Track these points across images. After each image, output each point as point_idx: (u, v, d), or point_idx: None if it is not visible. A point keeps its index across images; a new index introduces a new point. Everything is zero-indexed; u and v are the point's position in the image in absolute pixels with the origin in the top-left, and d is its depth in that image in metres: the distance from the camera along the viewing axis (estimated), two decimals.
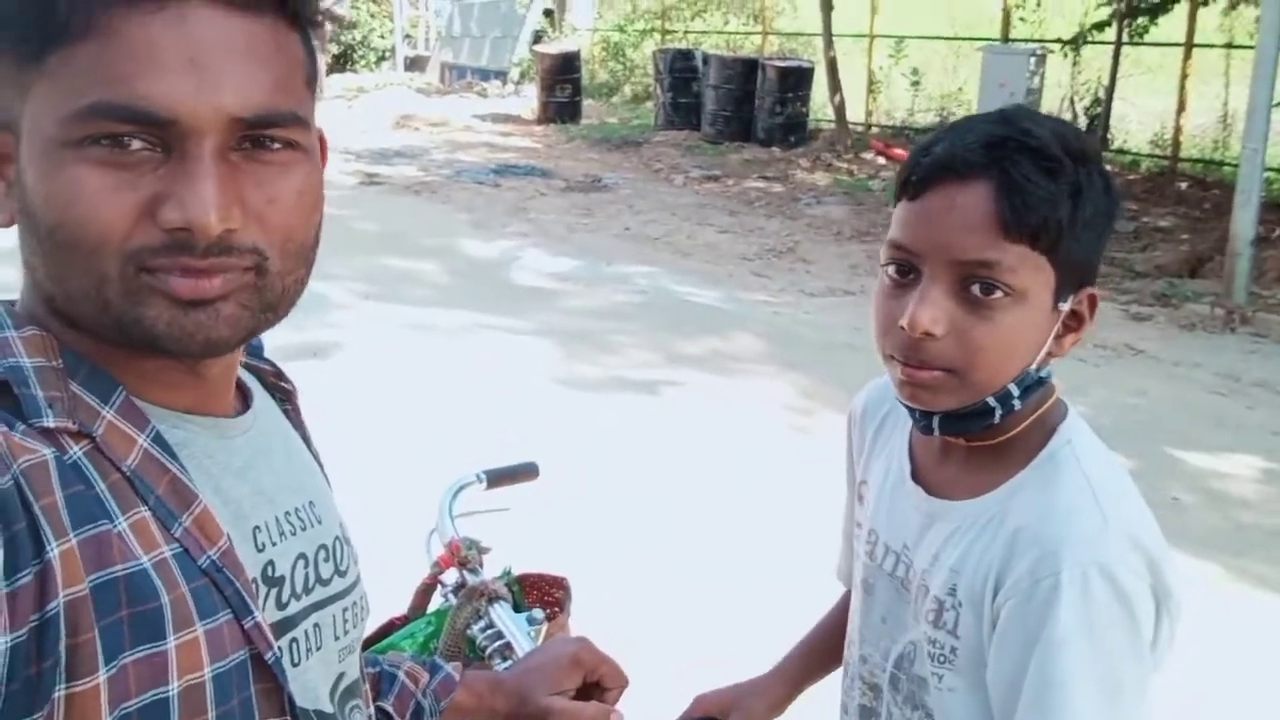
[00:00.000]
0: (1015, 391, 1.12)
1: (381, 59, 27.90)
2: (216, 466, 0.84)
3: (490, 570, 1.58)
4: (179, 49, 0.73)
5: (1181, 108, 12.60)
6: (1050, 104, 13.22)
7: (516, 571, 1.61)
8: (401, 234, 9.47)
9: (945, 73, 15.81)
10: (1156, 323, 7.60)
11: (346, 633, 0.95)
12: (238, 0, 0.75)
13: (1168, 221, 10.40)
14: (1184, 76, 12.57)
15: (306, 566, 0.90)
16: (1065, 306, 1.11)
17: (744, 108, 15.23)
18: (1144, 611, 1.05)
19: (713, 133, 15.39)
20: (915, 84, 15.47)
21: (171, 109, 0.72)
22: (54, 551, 0.69)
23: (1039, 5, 14.37)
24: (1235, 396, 6.12)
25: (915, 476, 1.25)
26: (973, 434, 1.16)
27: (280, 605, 0.87)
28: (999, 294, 1.06)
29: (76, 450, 0.74)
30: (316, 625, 0.90)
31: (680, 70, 16.33)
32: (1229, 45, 12.91)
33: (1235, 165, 9.18)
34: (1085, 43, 12.95)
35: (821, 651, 1.52)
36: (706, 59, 16.09)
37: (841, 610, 1.46)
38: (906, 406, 1.17)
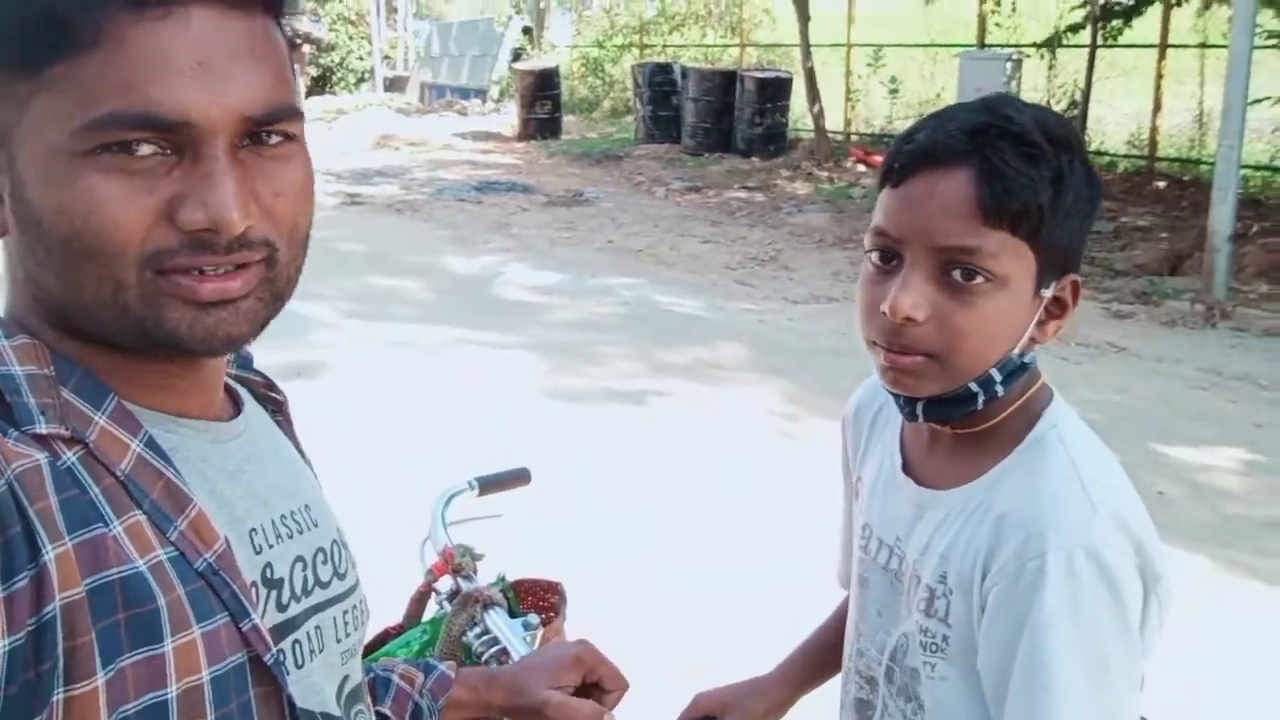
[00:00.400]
0: (997, 377, 1.12)
1: (361, 80, 27.93)
2: (210, 470, 0.85)
3: (484, 577, 1.58)
4: (187, 53, 0.74)
5: (1157, 108, 12.70)
6: None
7: (511, 578, 1.61)
8: (384, 252, 9.46)
9: (923, 80, 15.89)
10: (1138, 320, 7.64)
11: (348, 635, 0.95)
12: (236, 1, 0.76)
13: (1146, 220, 10.46)
14: (1159, 77, 12.67)
15: (305, 569, 0.90)
16: (1047, 293, 1.12)
17: (723, 119, 15.29)
18: (1131, 593, 1.06)
19: (693, 145, 15.43)
20: (893, 92, 15.55)
21: (185, 113, 0.73)
22: (50, 555, 0.69)
23: (1014, 10, 14.47)
24: (1217, 390, 6.16)
25: (906, 469, 1.26)
26: (957, 420, 1.16)
27: (281, 607, 0.87)
28: (980, 280, 1.07)
29: (70, 456, 0.75)
30: (318, 628, 0.91)
31: (659, 84, 16.38)
32: (1203, 45, 13.00)
33: (1212, 163, 9.26)
34: (1060, 46, 13.05)
35: (823, 655, 1.52)
36: (685, 72, 16.15)
37: (842, 614, 1.46)
38: (891, 393, 1.18)
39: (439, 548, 1.60)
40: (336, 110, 20.85)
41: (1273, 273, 8.37)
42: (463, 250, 9.88)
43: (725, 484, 4.79)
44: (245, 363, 1.01)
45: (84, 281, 0.76)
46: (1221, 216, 7.94)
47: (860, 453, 1.38)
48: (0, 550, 0.67)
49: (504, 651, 1.45)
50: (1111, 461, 1.15)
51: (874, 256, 1.12)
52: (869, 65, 15.71)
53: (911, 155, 1.09)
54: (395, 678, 1.20)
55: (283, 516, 0.90)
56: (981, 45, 14.19)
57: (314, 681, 0.89)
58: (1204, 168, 11.68)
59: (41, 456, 0.72)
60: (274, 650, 0.82)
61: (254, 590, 0.83)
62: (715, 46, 20.21)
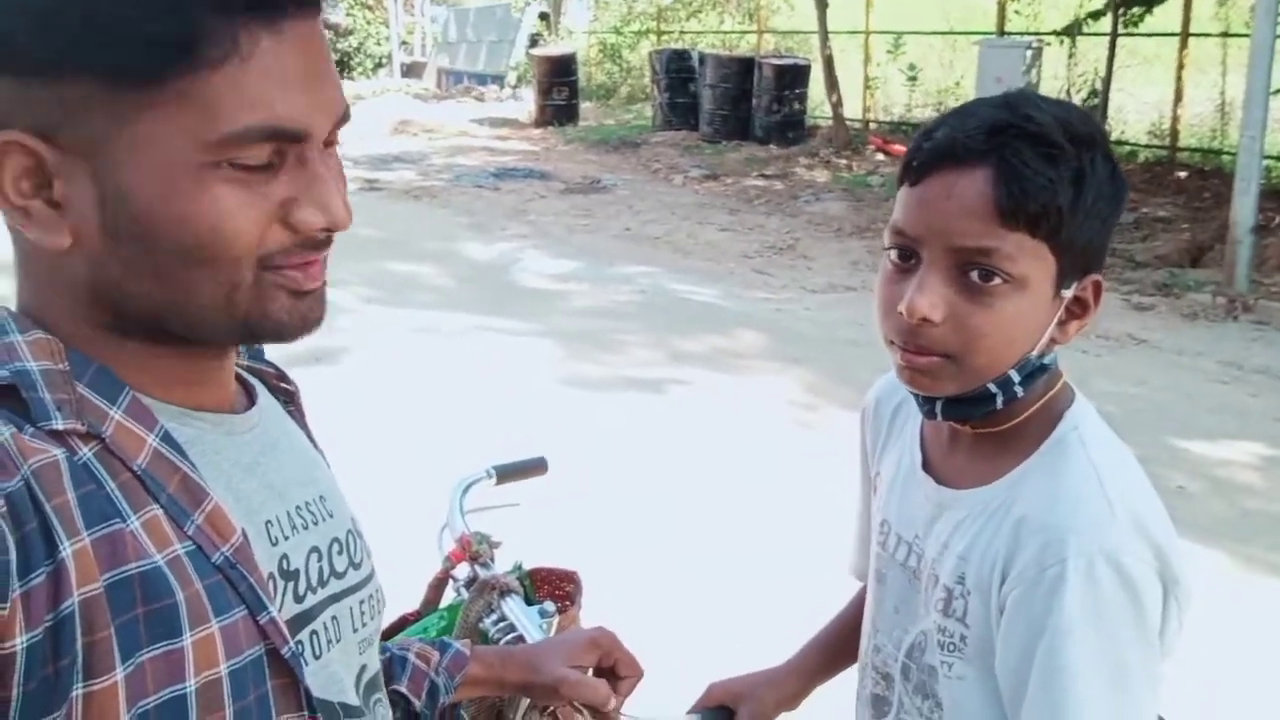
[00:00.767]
0: (1016, 378, 1.11)
1: (378, 66, 27.96)
2: (226, 462, 0.85)
3: (501, 565, 1.58)
4: (302, 65, 0.77)
5: (1179, 97, 12.59)
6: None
7: (527, 566, 1.61)
8: (403, 238, 9.48)
9: (941, 67, 15.80)
10: (1158, 312, 7.59)
11: (365, 624, 0.95)
12: (318, 11, 0.79)
13: (1167, 211, 10.39)
14: (1180, 66, 12.56)
15: (320, 560, 0.91)
16: (1068, 293, 1.10)
17: (741, 106, 15.25)
18: (1151, 598, 1.05)
19: (710, 132, 15.40)
20: (912, 79, 15.46)
21: (307, 125, 0.77)
22: (67, 550, 0.69)
23: None
24: (1238, 384, 6.12)
25: (926, 467, 1.25)
26: (976, 420, 1.16)
27: (298, 599, 0.87)
28: (998, 281, 1.05)
29: (86, 451, 0.75)
30: (334, 618, 0.91)
31: (677, 70, 16.34)
32: (1225, 34, 12.90)
33: (1234, 154, 9.17)
34: (1080, 33, 12.93)
35: (837, 647, 1.52)
36: (703, 59, 16.11)
37: (857, 606, 1.46)
38: (910, 391, 1.17)
39: (456, 535, 1.61)
40: (354, 96, 20.88)
41: None
42: (480, 237, 9.89)
43: (742, 473, 4.78)
44: (257, 354, 1.02)
45: (199, 286, 0.78)
46: (1243, 208, 7.88)
47: (879, 447, 1.37)
48: (17, 546, 0.67)
49: (520, 638, 1.45)
50: (1133, 464, 1.13)
51: (892, 254, 1.12)
52: (888, 52, 15.62)
53: (930, 154, 1.07)
54: (411, 656, 1.21)
55: (298, 508, 0.90)
56: (1001, 33, 14.09)
57: (333, 672, 0.89)
58: (1226, 158, 11.58)
59: (59, 452, 0.72)
60: (291, 643, 0.82)
61: (271, 582, 0.84)
62: (733, 33, 20.17)
